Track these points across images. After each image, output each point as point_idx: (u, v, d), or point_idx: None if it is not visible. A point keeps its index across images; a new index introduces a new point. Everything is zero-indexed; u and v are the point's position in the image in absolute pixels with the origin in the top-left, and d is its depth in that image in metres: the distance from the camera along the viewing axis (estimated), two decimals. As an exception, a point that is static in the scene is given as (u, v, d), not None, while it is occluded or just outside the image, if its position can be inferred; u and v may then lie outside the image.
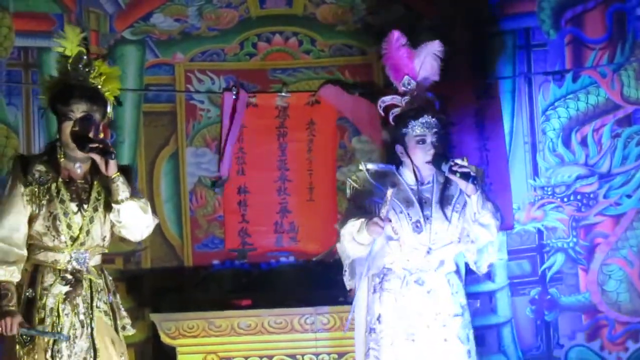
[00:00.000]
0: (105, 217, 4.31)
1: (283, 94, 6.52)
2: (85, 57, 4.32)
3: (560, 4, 6.40)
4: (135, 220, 4.32)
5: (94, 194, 4.31)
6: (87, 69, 4.31)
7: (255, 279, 6.53)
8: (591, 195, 6.34)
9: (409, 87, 4.65)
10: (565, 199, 6.37)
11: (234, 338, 5.94)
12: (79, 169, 4.30)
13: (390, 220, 4.45)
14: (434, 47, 4.70)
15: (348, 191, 4.72)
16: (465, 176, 4.38)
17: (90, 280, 4.28)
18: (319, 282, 6.40)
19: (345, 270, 4.73)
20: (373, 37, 6.62)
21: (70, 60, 4.30)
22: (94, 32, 6.49)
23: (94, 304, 4.27)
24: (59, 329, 4.18)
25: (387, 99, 4.68)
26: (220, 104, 6.46)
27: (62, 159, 4.29)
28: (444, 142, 4.59)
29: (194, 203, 6.59)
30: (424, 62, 4.68)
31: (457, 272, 4.65)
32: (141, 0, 6.61)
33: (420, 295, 4.57)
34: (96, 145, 4.19)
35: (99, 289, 4.31)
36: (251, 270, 6.56)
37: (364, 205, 4.58)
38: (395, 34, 4.71)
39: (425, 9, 6.65)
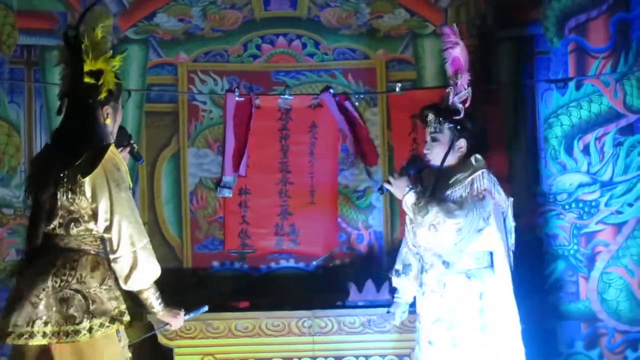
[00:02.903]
0: None
1: (286, 96, 6.51)
2: None
3: (564, 12, 6.39)
4: None
5: None
6: None
7: (254, 281, 6.52)
8: (593, 204, 6.32)
9: (457, 81, 4.61)
10: (567, 207, 6.35)
11: (231, 340, 5.92)
12: None
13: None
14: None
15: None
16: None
17: None
18: (319, 286, 6.39)
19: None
20: (377, 41, 6.62)
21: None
22: (97, 30, 6.49)
23: None
24: None
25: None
26: (222, 105, 6.48)
27: None
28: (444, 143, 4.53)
29: (195, 204, 6.57)
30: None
31: (478, 270, 4.57)
32: (145, -1, 6.63)
33: (428, 298, 4.52)
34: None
35: None
36: (250, 273, 6.55)
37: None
38: (449, 29, 4.67)
39: (429, 14, 6.64)
